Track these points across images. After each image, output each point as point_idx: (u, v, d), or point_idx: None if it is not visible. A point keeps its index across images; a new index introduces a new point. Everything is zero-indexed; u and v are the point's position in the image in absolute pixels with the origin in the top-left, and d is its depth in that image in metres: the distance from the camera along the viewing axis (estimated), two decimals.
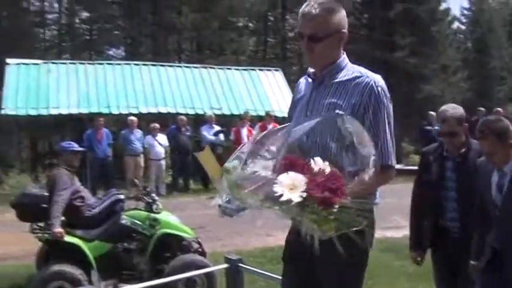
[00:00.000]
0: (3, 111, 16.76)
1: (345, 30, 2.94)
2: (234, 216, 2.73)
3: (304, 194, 2.34)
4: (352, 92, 2.85)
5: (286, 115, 3.27)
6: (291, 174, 2.39)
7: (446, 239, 4.55)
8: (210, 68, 20.63)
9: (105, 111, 17.27)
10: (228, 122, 18.47)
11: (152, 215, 6.80)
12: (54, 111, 17.33)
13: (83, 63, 19.78)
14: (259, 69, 21.35)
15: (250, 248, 9.12)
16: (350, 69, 2.94)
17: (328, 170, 2.46)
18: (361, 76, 2.88)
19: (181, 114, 17.25)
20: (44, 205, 6.46)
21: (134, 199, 7.40)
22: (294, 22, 32.73)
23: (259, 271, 5.47)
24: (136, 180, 8.78)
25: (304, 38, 2.90)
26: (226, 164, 2.55)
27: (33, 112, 17.17)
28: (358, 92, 2.84)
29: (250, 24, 35.28)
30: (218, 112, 17.98)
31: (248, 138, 15.10)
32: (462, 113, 4.53)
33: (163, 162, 15.81)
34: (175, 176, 16.86)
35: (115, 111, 17.66)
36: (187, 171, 16.36)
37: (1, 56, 21.05)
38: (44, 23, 34.61)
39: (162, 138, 15.72)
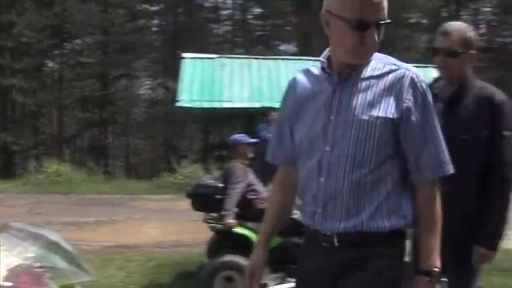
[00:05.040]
0: (178, 104, 17.41)
1: None
2: None
3: None
4: (389, 89, 2.32)
5: None
6: None
7: None
8: None
9: (277, 106, 17.24)
10: None
11: None
12: (227, 105, 17.63)
13: (257, 58, 19.88)
14: (433, 67, 20.45)
15: None
16: (378, 61, 2.39)
17: None
18: (398, 69, 2.34)
19: None
20: (218, 196, 6.47)
21: None
22: (468, 18, 31.41)
23: None
24: None
25: (370, 26, 2.29)
26: None
27: (206, 105, 17.57)
28: (398, 89, 2.31)
29: (423, 21, 34.31)
30: None
31: None
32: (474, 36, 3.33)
33: None
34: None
35: None
36: None
37: (177, 51, 21.87)
38: (218, 18, 35.81)
39: None
